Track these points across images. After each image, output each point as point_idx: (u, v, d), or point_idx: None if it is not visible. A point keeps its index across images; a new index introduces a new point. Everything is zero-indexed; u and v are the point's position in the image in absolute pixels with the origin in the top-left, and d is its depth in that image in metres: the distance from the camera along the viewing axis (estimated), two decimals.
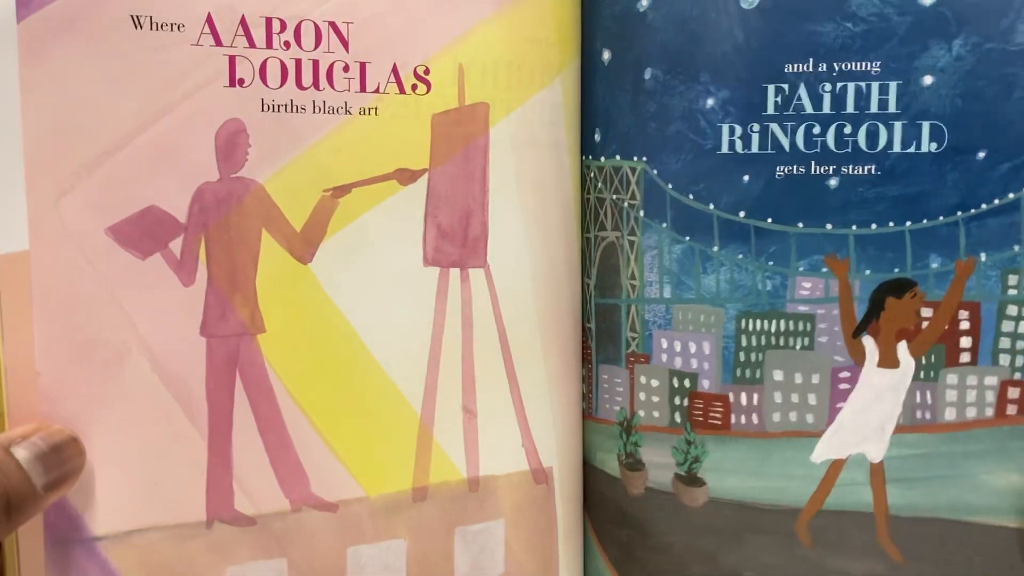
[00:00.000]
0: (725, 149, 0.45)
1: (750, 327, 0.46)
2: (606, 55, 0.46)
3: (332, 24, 0.41)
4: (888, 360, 0.45)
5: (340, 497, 0.43)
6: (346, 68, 0.41)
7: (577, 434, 0.50)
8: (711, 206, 0.45)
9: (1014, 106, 0.41)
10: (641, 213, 0.47)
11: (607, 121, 0.47)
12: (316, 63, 0.40)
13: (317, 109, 0.41)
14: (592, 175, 0.48)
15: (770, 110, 0.44)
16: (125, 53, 0.37)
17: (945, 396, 0.44)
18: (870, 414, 0.45)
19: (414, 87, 0.43)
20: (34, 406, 0.37)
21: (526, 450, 0.48)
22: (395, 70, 0.42)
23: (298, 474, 0.42)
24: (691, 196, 0.45)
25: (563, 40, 0.46)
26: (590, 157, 0.48)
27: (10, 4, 0.36)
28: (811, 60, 0.43)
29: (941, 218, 0.42)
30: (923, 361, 0.44)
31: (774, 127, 0.44)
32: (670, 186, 0.46)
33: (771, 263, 0.45)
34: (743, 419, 0.46)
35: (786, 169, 0.44)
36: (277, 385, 0.41)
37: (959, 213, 0.42)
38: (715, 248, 0.45)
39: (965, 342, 0.43)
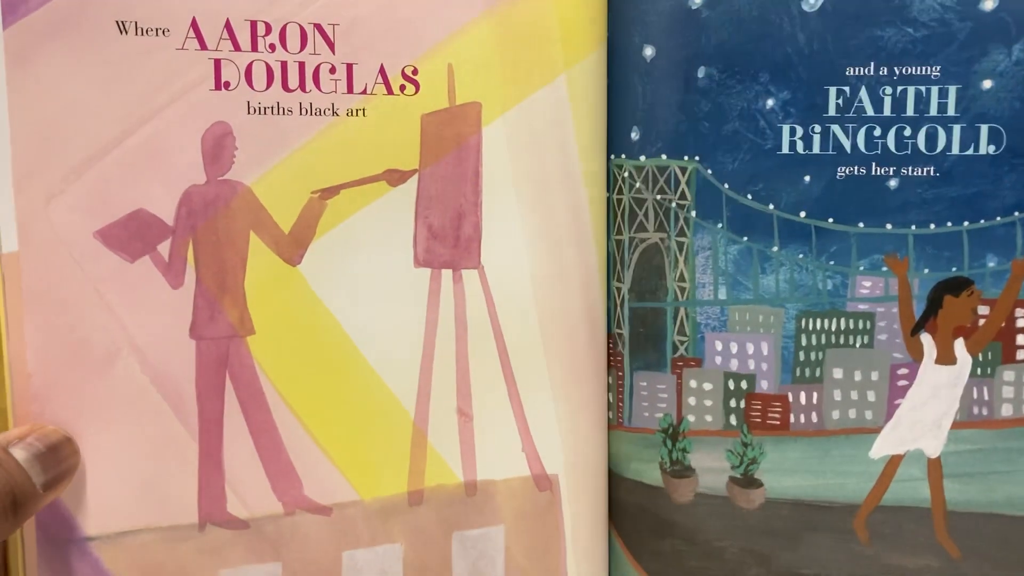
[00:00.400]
0: (786, 149, 0.42)
1: (810, 326, 0.43)
2: (648, 51, 0.42)
3: (318, 26, 0.38)
4: (946, 357, 0.43)
5: (334, 500, 0.41)
6: (332, 70, 0.39)
7: (592, 443, 0.46)
8: (771, 206, 0.43)
9: None
10: (693, 213, 0.43)
11: (649, 119, 0.43)
12: (302, 65, 0.38)
13: (304, 111, 0.38)
14: (627, 175, 0.43)
15: (831, 112, 0.41)
16: (111, 58, 0.36)
17: (1002, 392, 0.42)
18: (928, 410, 0.43)
19: (402, 88, 0.40)
20: (27, 406, 0.36)
21: (527, 455, 0.44)
22: (382, 71, 0.39)
23: (291, 477, 0.40)
24: (749, 196, 0.43)
25: (570, 37, 0.42)
26: (624, 156, 0.43)
27: None
28: (872, 63, 0.41)
29: (998, 218, 0.41)
30: (980, 358, 0.43)
31: (835, 128, 0.42)
32: (726, 186, 0.42)
33: (832, 262, 0.42)
34: (802, 418, 0.44)
35: (847, 170, 0.42)
36: (268, 387, 0.39)
37: (1016, 213, 0.41)
38: (775, 248, 0.43)
39: (1021, 339, 0.42)
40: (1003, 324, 0.42)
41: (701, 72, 0.42)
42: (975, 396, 0.43)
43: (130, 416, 0.37)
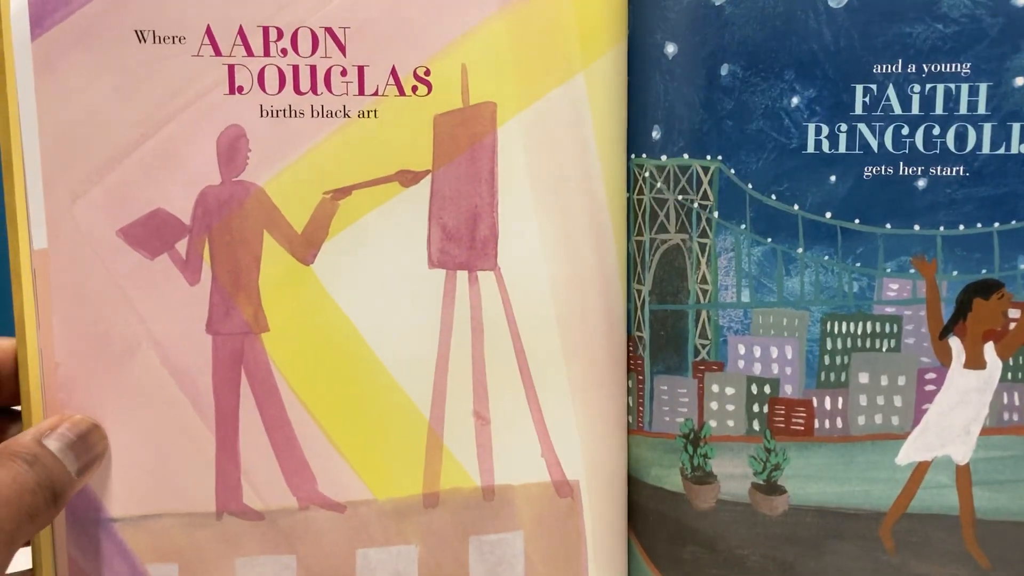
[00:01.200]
0: (811, 149, 0.41)
1: (836, 330, 0.42)
2: (670, 48, 0.41)
3: (329, 30, 0.39)
4: (975, 361, 0.42)
5: (348, 498, 0.41)
6: (344, 72, 0.39)
7: (612, 448, 0.45)
8: (795, 207, 0.42)
9: None
10: (715, 214, 0.42)
11: (671, 118, 0.42)
12: (313, 68, 0.39)
13: (315, 113, 0.39)
14: (648, 175, 0.42)
15: (858, 110, 0.41)
16: (130, 66, 0.38)
17: None
18: (956, 416, 0.42)
19: (414, 89, 0.40)
20: (54, 394, 0.38)
21: (546, 461, 0.43)
22: (394, 72, 0.40)
23: (304, 472, 0.41)
24: (773, 196, 0.42)
25: (589, 34, 0.42)
26: (644, 156, 0.42)
27: (24, 25, 0.37)
28: (900, 61, 0.40)
29: None
30: (1011, 363, 0.42)
31: (862, 127, 0.41)
32: (750, 186, 0.42)
33: (858, 264, 0.42)
34: (827, 424, 0.43)
35: (874, 170, 0.41)
36: (282, 384, 0.40)
37: None
38: (799, 250, 0.42)
39: None
40: None
41: (724, 70, 0.41)
42: (1005, 401, 0.42)
43: (150, 406, 0.39)
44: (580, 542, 0.44)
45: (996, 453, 0.41)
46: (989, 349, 0.42)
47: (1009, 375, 0.41)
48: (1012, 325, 0.41)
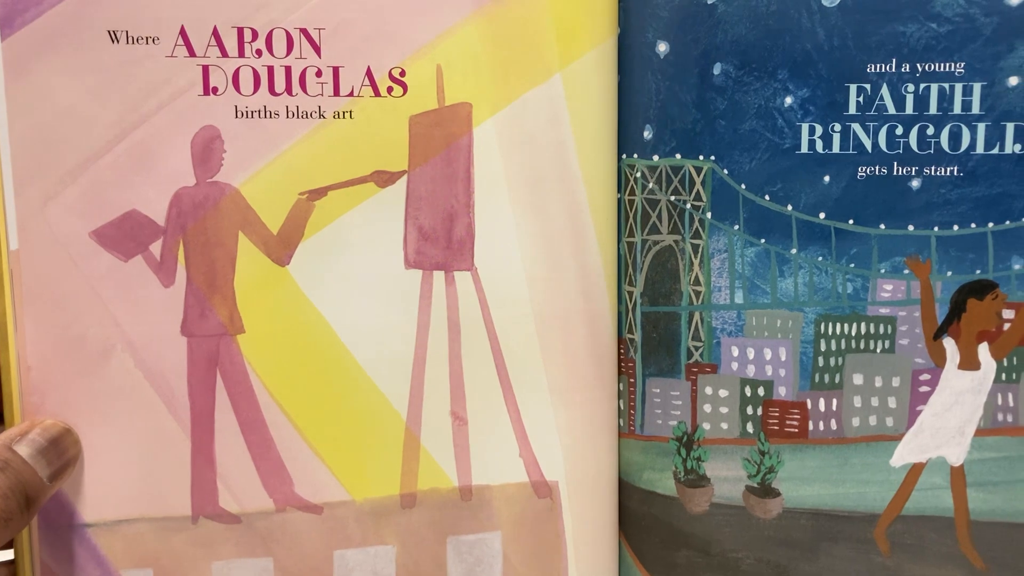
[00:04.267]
0: (805, 149, 0.41)
1: (830, 331, 0.42)
2: (662, 47, 0.41)
3: (304, 31, 0.39)
4: (969, 362, 0.42)
5: (324, 500, 0.41)
6: (319, 73, 0.39)
7: (599, 451, 0.44)
8: (789, 207, 0.41)
9: None
10: (708, 215, 0.41)
11: (663, 117, 0.41)
12: (288, 69, 0.39)
13: (290, 114, 0.39)
14: (639, 175, 0.42)
15: (852, 110, 0.40)
16: (103, 66, 0.37)
17: None
18: (950, 417, 0.42)
19: (390, 89, 0.40)
20: (28, 397, 0.38)
21: (525, 461, 0.43)
22: (369, 73, 0.40)
23: (281, 474, 0.41)
24: (767, 197, 0.41)
25: (567, 34, 0.41)
26: (636, 156, 0.42)
27: None
28: (894, 60, 0.40)
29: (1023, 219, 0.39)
30: (1005, 363, 0.41)
31: (856, 127, 0.40)
32: (743, 186, 0.41)
33: (852, 265, 0.41)
34: (821, 426, 0.42)
35: (868, 170, 0.41)
36: (258, 386, 0.40)
37: None
38: (793, 250, 0.42)
39: None
40: None
41: (717, 69, 0.41)
42: (999, 402, 0.41)
43: (124, 409, 0.39)
44: (560, 543, 0.44)
45: (990, 454, 0.41)
46: (983, 350, 0.42)
47: (1003, 376, 0.41)
48: (1006, 326, 0.41)
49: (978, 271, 0.41)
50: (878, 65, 0.40)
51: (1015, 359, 0.41)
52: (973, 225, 0.40)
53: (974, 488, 0.42)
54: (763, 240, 0.42)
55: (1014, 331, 0.41)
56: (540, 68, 0.41)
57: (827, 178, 0.41)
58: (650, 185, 0.43)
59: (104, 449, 0.39)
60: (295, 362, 0.40)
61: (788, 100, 0.41)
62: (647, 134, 0.42)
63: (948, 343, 0.42)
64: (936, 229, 0.41)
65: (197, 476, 0.40)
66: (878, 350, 0.42)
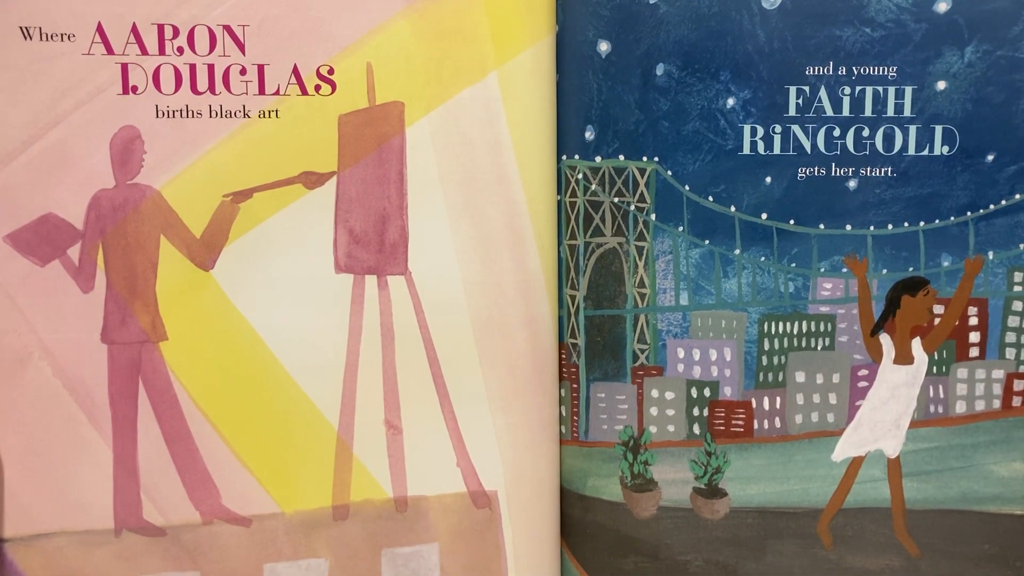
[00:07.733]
0: (747, 150, 0.41)
1: (773, 330, 0.43)
2: (604, 47, 0.40)
3: (227, 28, 0.38)
4: (903, 356, 0.43)
5: (253, 512, 0.40)
6: (243, 71, 0.38)
7: (540, 459, 0.43)
8: (733, 208, 0.42)
9: (1022, 111, 0.41)
10: (652, 216, 0.41)
11: (605, 118, 0.41)
12: (211, 67, 0.38)
13: (214, 113, 0.38)
14: (580, 177, 0.41)
15: (792, 111, 0.41)
16: (16, 64, 0.36)
17: (956, 390, 0.43)
18: (887, 410, 0.43)
19: (317, 88, 0.39)
20: None
21: (462, 471, 0.43)
22: (296, 71, 0.39)
23: (208, 486, 0.40)
24: (711, 198, 0.42)
25: (502, 33, 0.41)
26: (577, 157, 0.41)
27: None
28: (831, 63, 0.41)
29: (952, 218, 0.41)
30: (935, 356, 0.43)
31: (796, 128, 0.41)
32: (687, 188, 0.41)
33: (793, 264, 0.42)
34: (766, 424, 0.43)
35: (808, 171, 0.41)
36: (182, 394, 0.39)
37: (968, 213, 0.41)
38: (737, 251, 0.42)
39: (974, 337, 0.42)
40: (957, 322, 0.43)
41: (660, 69, 0.41)
42: (931, 394, 0.43)
43: (42, 419, 0.38)
44: (499, 554, 0.43)
45: (923, 445, 0.43)
46: (916, 344, 0.43)
47: (934, 369, 0.43)
48: (937, 320, 0.43)
49: (911, 268, 0.42)
50: (816, 68, 0.41)
51: (944, 352, 0.43)
52: (906, 224, 0.42)
53: (909, 478, 0.43)
54: (707, 241, 0.42)
55: (944, 325, 0.43)
56: (475, 66, 0.41)
57: (769, 179, 0.41)
58: (592, 187, 0.42)
59: (21, 461, 0.38)
60: (220, 370, 0.39)
61: (730, 101, 0.41)
62: (588, 135, 0.42)
63: (884, 339, 0.43)
64: (872, 228, 0.42)
65: (119, 488, 0.39)
66: (819, 347, 0.43)
